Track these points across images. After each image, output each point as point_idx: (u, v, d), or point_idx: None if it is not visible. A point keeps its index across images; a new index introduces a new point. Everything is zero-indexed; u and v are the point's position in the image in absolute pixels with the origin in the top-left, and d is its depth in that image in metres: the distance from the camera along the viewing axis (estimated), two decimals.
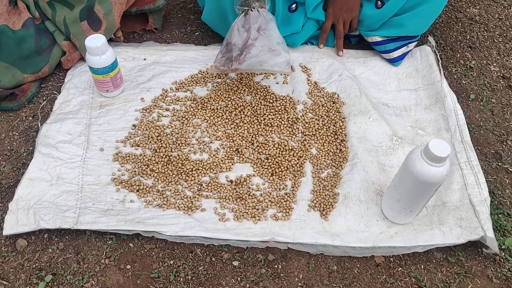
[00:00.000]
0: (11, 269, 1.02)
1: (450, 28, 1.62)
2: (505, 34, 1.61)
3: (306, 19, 1.45)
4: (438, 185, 0.97)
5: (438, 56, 1.44)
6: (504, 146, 1.29)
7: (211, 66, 1.32)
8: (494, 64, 1.52)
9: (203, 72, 1.39)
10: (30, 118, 1.31)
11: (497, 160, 1.26)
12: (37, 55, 1.36)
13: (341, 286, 1.01)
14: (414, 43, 1.45)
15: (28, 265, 1.03)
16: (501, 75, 1.49)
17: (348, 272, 1.03)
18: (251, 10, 1.25)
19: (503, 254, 1.07)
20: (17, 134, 1.27)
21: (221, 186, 1.14)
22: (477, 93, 1.42)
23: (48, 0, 1.38)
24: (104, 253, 1.05)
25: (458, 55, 1.53)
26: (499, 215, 1.14)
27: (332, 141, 1.24)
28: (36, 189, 1.11)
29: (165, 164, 1.18)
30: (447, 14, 1.67)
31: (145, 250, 1.05)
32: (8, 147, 1.24)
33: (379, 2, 1.39)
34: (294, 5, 1.43)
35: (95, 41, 1.21)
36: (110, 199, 1.12)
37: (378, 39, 1.43)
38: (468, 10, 1.69)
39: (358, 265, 1.04)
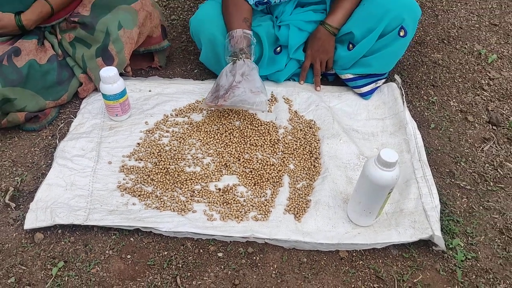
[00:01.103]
0: (29, 257, 1.20)
1: (416, 69, 1.86)
2: (464, 76, 1.85)
3: (288, 59, 1.70)
4: (390, 188, 1.16)
5: (403, 91, 1.66)
6: (457, 166, 1.49)
7: (201, 101, 1.54)
8: (454, 100, 1.74)
9: (199, 102, 1.62)
10: (50, 137, 1.52)
11: (451, 177, 1.45)
12: (58, 85, 1.60)
13: (310, 275, 1.18)
14: (382, 80, 1.69)
15: (43, 254, 1.21)
16: (459, 109, 1.71)
17: (316, 263, 1.21)
18: (238, 60, 1.48)
19: (451, 252, 1.25)
20: (38, 150, 1.48)
21: (210, 193, 1.34)
22: (437, 123, 1.64)
23: (70, 40, 1.64)
24: (109, 245, 1.23)
25: (422, 92, 1.76)
26: (449, 221, 1.32)
27: (308, 159, 1.45)
28: (53, 193, 1.31)
29: (163, 174, 1.38)
30: (414, 58, 1.91)
31: (144, 243, 1.23)
32: (30, 161, 1.45)
33: (350, 45, 1.64)
34: (278, 48, 1.69)
35: (108, 71, 1.44)
36: (115, 202, 1.31)
37: (350, 76, 1.67)
38: (432, 55, 1.94)
39: (325, 258, 1.22)
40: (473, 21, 2.13)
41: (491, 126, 1.65)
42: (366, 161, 1.18)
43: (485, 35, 2.05)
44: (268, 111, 1.61)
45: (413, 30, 1.60)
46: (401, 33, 1.56)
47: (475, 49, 1.97)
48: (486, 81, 1.83)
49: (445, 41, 2.00)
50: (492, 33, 2.06)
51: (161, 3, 2.12)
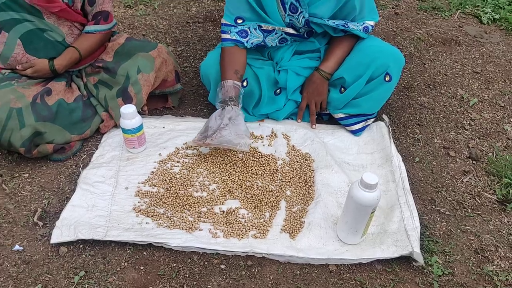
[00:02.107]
0: (54, 268, 1.36)
1: (404, 110, 2.06)
2: (447, 117, 2.03)
3: (287, 100, 1.91)
4: (372, 207, 1.33)
5: (390, 129, 1.85)
6: (438, 195, 1.65)
7: (192, 143, 1.71)
8: (437, 137, 1.92)
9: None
10: (74, 167, 1.71)
11: (432, 204, 1.61)
12: (82, 121, 1.81)
13: (302, 285, 1.33)
14: (372, 119, 1.88)
15: (67, 265, 1.37)
16: (442, 145, 1.89)
17: (308, 275, 1.35)
18: (227, 106, 1.69)
19: (430, 268, 1.39)
20: (63, 177, 1.67)
21: (215, 215, 1.51)
22: (421, 157, 1.81)
23: (94, 82, 1.86)
24: (124, 258, 1.39)
25: (409, 130, 1.95)
26: (429, 242, 1.47)
27: (303, 186, 1.62)
28: (76, 213, 1.49)
29: (174, 198, 1.55)
30: (402, 100, 2.12)
31: (155, 256, 1.39)
32: (56, 186, 1.63)
33: (342, 89, 1.85)
34: (278, 90, 1.90)
35: (128, 108, 1.65)
36: (131, 221, 1.48)
37: (342, 115, 1.87)
38: (419, 98, 2.14)
39: (315, 271, 1.37)
40: (457, 69, 2.34)
41: (471, 161, 1.82)
42: (351, 184, 1.35)
43: (467, 81, 2.26)
44: (268, 145, 1.80)
45: (398, 76, 1.81)
46: (387, 78, 1.77)
47: (458, 93, 2.17)
48: (468, 122, 2.01)
49: (431, 86, 2.21)
50: (474, 79, 2.27)
51: (175, 52, 2.37)
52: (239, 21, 1.79)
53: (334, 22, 1.78)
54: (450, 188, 1.69)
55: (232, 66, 1.75)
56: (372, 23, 1.82)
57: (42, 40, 1.76)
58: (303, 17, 1.77)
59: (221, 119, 1.66)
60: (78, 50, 1.81)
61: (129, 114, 1.65)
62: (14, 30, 1.71)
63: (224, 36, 1.80)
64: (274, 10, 1.77)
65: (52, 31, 1.77)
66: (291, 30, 1.84)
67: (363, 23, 1.81)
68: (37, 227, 1.48)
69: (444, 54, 2.45)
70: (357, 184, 1.32)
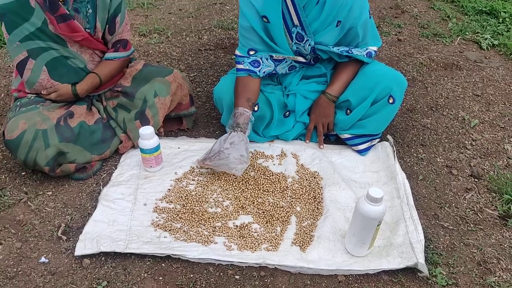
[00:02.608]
0: (78, 278, 1.44)
1: (408, 131, 2.15)
2: (450, 137, 2.12)
3: (295, 122, 2.01)
4: (378, 220, 1.41)
5: (394, 149, 1.94)
6: (442, 210, 1.73)
7: (195, 163, 1.82)
8: (440, 157, 2.01)
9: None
10: (94, 185, 1.81)
11: (435, 219, 1.69)
12: (102, 143, 1.91)
13: None
14: (377, 139, 1.98)
15: (90, 276, 1.45)
16: (445, 164, 1.97)
17: (317, 285, 1.43)
18: (234, 131, 1.79)
19: (434, 279, 1.46)
20: (85, 195, 1.77)
21: (229, 229, 1.59)
22: (425, 175, 1.90)
23: (113, 106, 1.98)
24: (144, 269, 1.47)
25: (412, 150, 2.04)
26: (433, 254, 1.54)
27: (312, 202, 1.70)
28: (98, 228, 1.58)
29: (190, 214, 1.64)
30: (406, 122, 2.21)
31: (173, 268, 1.47)
32: (78, 203, 1.73)
33: (348, 111, 1.95)
34: (287, 113, 2.01)
35: (147, 129, 1.76)
36: (149, 235, 1.57)
37: (349, 136, 1.96)
38: (422, 120, 2.23)
39: (325, 281, 1.44)
40: (458, 92, 2.44)
41: (473, 179, 1.90)
42: (358, 199, 1.43)
43: (468, 103, 2.35)
44: (278, 164, 1.89)
45: (401, 98, 1.91)
46: (390, 101, 1.87)
47: (459, 115, 2.26)
48: (469, 142, 2.10)
49: (433, 109, 2.31)
50: (475, 102, 2.37)
51: (188, 78, 2.48)
52: (252, 52, 1.90)
53: (338, 49, 1.89)
54: (453, 204, 1.76)
55: (245, 94, 1.86)
56: (375, 48, 1.93)
57: (65, 66, 1.88)
58: (309, 44, 1.88)
59: (224, 142, 1.76)
60: (99, 75, 1.93)
61: (147, 135, 1.75)
62: (40, 58, 1.83)
63: (238, 66, 1.91)
64: (282, 40, 1.88)
65: (75, 58, 1.89)
66: (300, 59, 1.95)
67: (367, 49, 1.92)
68: (61, 241, 1.57)
69: (446, 78, 2.55)
70: (363, 198, 1.41)
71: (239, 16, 1.89)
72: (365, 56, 1.91)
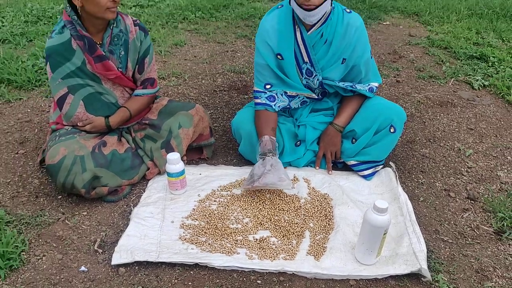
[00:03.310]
0: (115, 284, 1.60)
1: (408, 160, 2.35)
2: (447, 165, 2.32)
3: (306, 150, 2.21)
4: (384, 229, 1.58)
5: (397, 174, 2.13)
6: (441, 227, 1.90)
7: (242, 189, 2.02)
8: (439, 182, 2.20)
9: (238, 181, 2.10)
10: (125, 206, 1.99)
11: (436, 234, 1.86)
12: (131, 169, 2.11)
13: None
14: (381, 166, 2.17)
15: (126, 282, 1.61)
16: (444, 188, 2.15)
17: None
18: (267, 156, 2.00)
19: (436, 284, 1.61)
20: (116, 214, 1.94)
21: (249, 242, 1.76)
22: (425, 198, 2.08)
23: (141, 137, 2.19)
24: (174, 276, 1.63)
25: (413, 176, 2.23)
26: (435, 263, 1.70)
27: (323, 219, 1.88)
28: (131, 241, 1.75)
29: (213, 229, 1.82)
30: (407, 152, 2.41)
31: (201, 275, 1.63)
32: (111, 222, 1.90)
33: (353, 140, 2.16)
34: (298, 142, 2.22)
35: (174, 155, 1.96)
36: (178, 247, 1.73)
37: (354, 162, 2.16)
38: (421, 150, 2.44)
39: (338, 285, 1.60)
40: (453, 126, 2.66)
41: (469, 201, 2.08)
42: (365, 210, 1.62)
43: (463, 136, 2.57)
44: (292, 188, 2.08)
45: (401, 128, 2.12)
46: (392, 130, 2.08)
47: (455, 146, 2.47)
48: (465, 169, 2.29)
49: (431, 140, 2.52)
50: (469, 135, 2.58)
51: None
52: (268, 86, 2.14)
53: (343, 84, 2.13)
54: (452, 222, 1.93)
55: (268, 124, 2.08)
56: (376, 84, 2.17)
57: (100, 101, 2.11)
58: (318, 79, 2.12)
59: (263, 166, 1.95)
60: (129, 110, 2.16)
61: (174, 160, 1.96)
62: (78, 93, 2.06)
63: (256, 100, 2.15)
64: (294, 74, 2.12)
65: (108, 94, 2.13)
66: (312, 95, 2.19)
67: (369, 84, 2.15)
68: (97, 253, 1.74)
69: (442, 114, 2.78)
70: (370, 210, 1.59)
71: (255, 55, 2.14)
72: (368, 91, 2.14)
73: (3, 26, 3.90)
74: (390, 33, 4.08)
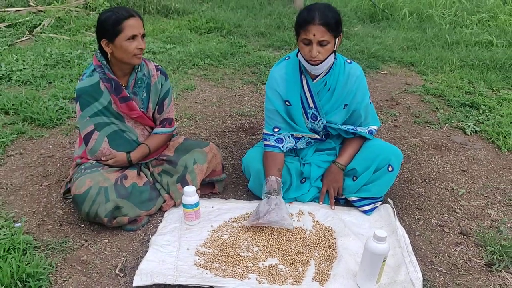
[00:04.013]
0: None
1: (405, 198, 2.52)
2: (441, 203, 2.49)
3: (310, 187, 2.39)
4: (384, 256, 1.74)
5: (395, 210, 2.30)
6: (436, 258, 2.06)
7: (247, 223, 2.17)
8: (434, 218, 2.37)
9: (248, 214, 2.27)
10: (143, 235, 2.15)
11: (431, 265, 2.01)
12: (149, 201, 2.28)
13: None
14: (379, 202, 2.35)
15: None
16: (438, 224, 2.32)
17: None
18: (272, 195, 2.18)
19: None
20: (136, 242, 2.10)
21: (259, 268, 1.91)
22: (421, 232, 2.24)
23: (158, 172, 2.38)
24: None
25: (410, 213, 2.40)
26: None
27: (327, 249, 2.04)
28: (150, 265, 1.90)
29: (225, 257, 1.97)
30: (404, 191, 2.59)
31: None
32: (131, 248, 2.06)
33: (354, 177, 2.34)
34: (303, 179, 2.40)
35: (190, 188, 2.14)
36: (193, 272, 1.88)
37: (355, 198, 2.34)
38: (417, 189, 2.62)
39: None
40: (447, 168, 2.85)
41: (462, 236, 2.24)
42: (366, 240, 1.78)
43: (456, 177, 2.75)
44: (297, 220, 2.24)
45: (398, 167, 2.31)
46: (390, 169, 2.27)
47: (449, 186, 2.65)
48: (458, 207, 2.46)
49: (426, 181, 2.70)
50: (462, 176, 2.77)
51: None
52: (276, 129, 2.35)
53: (345, 127, 2.34)
54: (446, 254, 2.09)
55: (275, 165, 2.27)
56: (375, 127, 2.38)
57: (122, 138, 2.31)
58: (322, 123, 2.33)
59: (268, 205, 2.13)
60: (149, 146, 2.35)
61: (190, 192, 2.13)
62: (103, 130, 2.26)
63: (265, 142, 2.35)
64: (300, 119, 2.33)
65: (130, 132, 2.33)
66: (316, 136, 2.39)
67: (368, 127, 2.36)
68: (118, 277, 1.89)
69: (436, 157, 2.98)
70: (371, 239, 1.75)
71: (265, 101, 2.36)
72: (367, 133, 2.35)
73: (24, 68, 4.15)
74: (387, 81, 4.34)
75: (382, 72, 4.59)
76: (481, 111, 3.63)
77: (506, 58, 4.68)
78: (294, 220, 2.25)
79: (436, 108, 3.72)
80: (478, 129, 3.33)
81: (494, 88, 4.14)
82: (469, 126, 3.35)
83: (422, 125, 3.43)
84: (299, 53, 2.20)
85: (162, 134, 2.41)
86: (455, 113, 3.61)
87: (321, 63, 2.12)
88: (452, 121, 3.48)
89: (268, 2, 6.94)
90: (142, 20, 2.16)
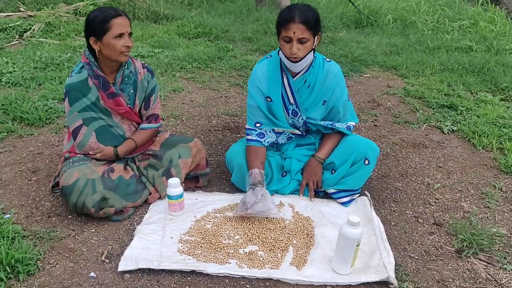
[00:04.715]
0: (122, 287, 1.82)
1: (382, 191, 2.63)
2: (417, 196, 2.60)
3: (291, 180, 2.49)
4: (357, 240, 1.84)
5: (371, 201, 2.40)
6: (409, 246, 2.16)
7: (233, 213, 2.27)
8: (409, 210, 2.47)
9: (230, 205, 2.36)
10: (129, 225, 2.23)
11: (404, 251, 2.11)
12: (135, 194, 2.36)
13: None
14: (357, 194, 2.45)
15: (130, 286, 1.83)
16: (413, 216, 2.42)
17: None
18: (257, 187, 2.27)
19: None
20: (121, 231, 2.18)
21: (239, 254, 2.00)
22: (396, 222, 2.34)
23: (144, 166, 2.46)
24: (173, 281, 1.86)
25: (386, 205, 2.50)
26: (402, 274, 1.95)
27: (305, 237, 2.13)
28: (135, 252, 1.98)
29: (208, 244, 2.06)
30: (381, 185, 2.70)
31: (196, 280, 1.86)
32: (117, 237, 2.14)
33: (332, 171, 2.45)
34: (284, 173, 2.50)
35: (174, 180, 2.23)
36: (177, 258, 1.97)
37: (334, 191, 2.44)
38: (394, 184, 2.72)
39: None
40: (424, 164, 2.96)
41: (436, 226, 2.34)
42: (340, 226, 1.88)
43: (433, 173, 2.87)
44: (278, 215, 2.33)
45: (374, 161, 2.41)
46: (366, 162, 2.38)
47: (425, 181, 2.76)
48: (433, 200, 2.57)
49: (403, 176, 2.81)
50: (438, 172, 2.88)
51: None
52: (258, 124, 2.45)
53: (324, 122, 2.44)
54: (419, 242, 2.19)
55: (257, 159, 2.37)
56: (353, 123, 2.49)
57: (109, 133, 2.39)
58: (302, 119, 2.44)
59: (255, 196, 2.22)
60: (135, 141, 2.44)
61: (174, 184, 2.22)
62: (91, 125, 2.34)
63: (248, 137, 2.44)
64: (281, 115, 2.44)
65: (117, 127, 2.41)
66: (296, 131, 2.50)
67: (347, 123, 2.47)
68: (104, 263, 1.96)
69: (414, 154, 3.09)
70: (345, 224, 1.85)
71: (248, 97, 2.46)
72: (345, 128, 2.46)
73: (14, 71, 4.22)
74: (370, 84, 4.47)
75: (365, 76, 4.72)
76: (458, 112, 3.76)
77: (485, 62, 4.84)
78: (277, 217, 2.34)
79: (416, 109, 3.84)
80: (455, 128, 3.46)
81: (472, 91, 4.28)
82: (446, 125, 3.48)
83: (401, 124, 3.55)
84: (280, 51, 2.31)
85: (148, 129, 2.50)
86: (434, 114, 3.74)
87: (300, 60, 2.23)
88: (431, 121, 3.60)
89: (255, 8, 7.06)
90: (129, 20, 2.25)
